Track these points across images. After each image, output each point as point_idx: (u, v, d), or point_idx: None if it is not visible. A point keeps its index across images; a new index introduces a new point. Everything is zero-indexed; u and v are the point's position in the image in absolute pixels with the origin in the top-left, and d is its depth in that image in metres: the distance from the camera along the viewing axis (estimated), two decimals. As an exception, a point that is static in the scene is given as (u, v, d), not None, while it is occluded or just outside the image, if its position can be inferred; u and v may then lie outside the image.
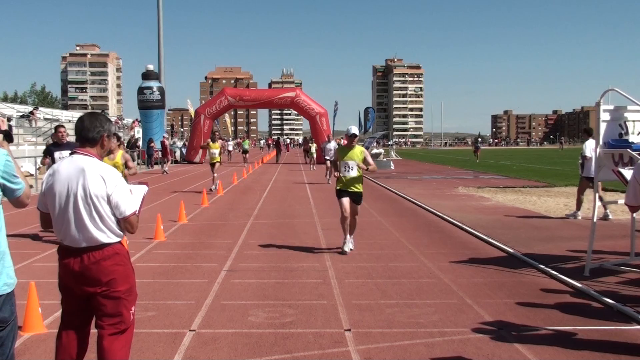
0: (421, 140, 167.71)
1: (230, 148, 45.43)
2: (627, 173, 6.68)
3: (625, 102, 7.01)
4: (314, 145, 32.53)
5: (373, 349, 4.46)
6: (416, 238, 9.39)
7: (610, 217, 11.40)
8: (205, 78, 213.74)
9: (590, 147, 11.19)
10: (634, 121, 7.12)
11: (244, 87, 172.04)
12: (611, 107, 7.07)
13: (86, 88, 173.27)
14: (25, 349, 4.46)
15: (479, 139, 67.31)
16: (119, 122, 44.08)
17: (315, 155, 31.47)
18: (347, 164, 8.24)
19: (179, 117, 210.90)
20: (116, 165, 8.42)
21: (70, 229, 3.22)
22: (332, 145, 20.44)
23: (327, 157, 20.50)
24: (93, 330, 3.39)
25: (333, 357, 4.32)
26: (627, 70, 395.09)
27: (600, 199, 11.07)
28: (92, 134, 3.32)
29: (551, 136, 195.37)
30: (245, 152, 35.09)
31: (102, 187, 3.21)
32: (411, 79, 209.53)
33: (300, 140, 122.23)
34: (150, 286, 6.28)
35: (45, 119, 32.43)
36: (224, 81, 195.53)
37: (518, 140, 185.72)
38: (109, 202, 3.22)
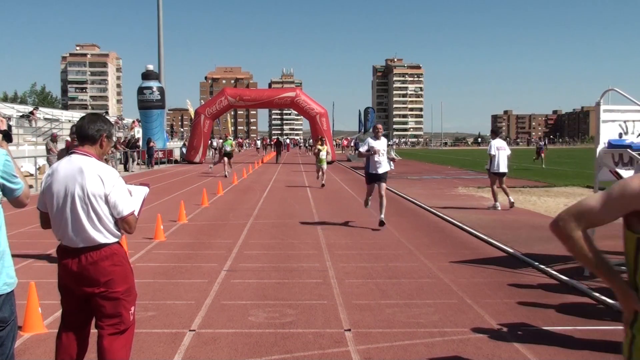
0: (421, 140, 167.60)
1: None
2: (626, 174, 6.69)
3: (626, 102, 7.01)
4: (326, 147, 20.50)
5: (373, 349, 4.46)
6: (416, 238, 9.38)
7: (499, 207, 12.80)
8: (205, 78, 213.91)
9: (494, 146, 13.06)
10: (634, 121, 7.12)
11: (244, 87, 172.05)
12: (612, 107, 7.07)
13: (86, 88, 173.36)
14: (25, 349, 4.46)
15: (544, 139, 36.36)
16: (119, 122, 44.06)
17: (325, 166, 19.78)
18: None
19: (179, 117, 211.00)
20: None
21: (67, 229, 3.23)
22: (382, 144, 10.38)
23: (372, 171, 10.33)
24: (93, 330, 3.40)
25: (333, 357, 4.32)
26: (627, 70, 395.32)
27: (507, 193, 13.05)
28: (91, 132, 3.33)
29: (551, 136, 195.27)
30: (227, 155, 24.58)
31: (100, 186, 3.21)
32: (411, 79, 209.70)
33: (300, 140, 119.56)
34: (150, 286, 6.28)
35: (45, 119, 32.44)
36: (224, 81, 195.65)
37: (518, 140, 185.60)
38: (106, 201, 3.22)
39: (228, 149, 24.75)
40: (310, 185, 19.89)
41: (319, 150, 19.74)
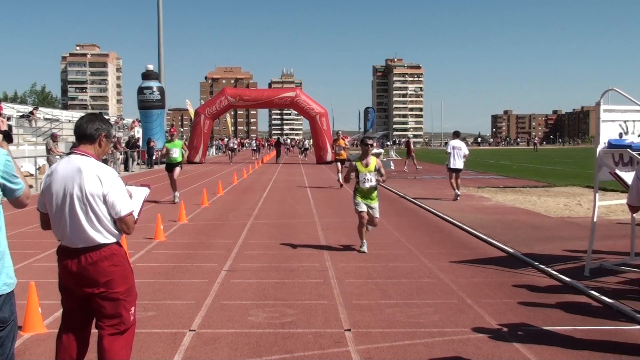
0: (421, 140, 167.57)
1: (232, 145, 42.36)
2: (626, 175, 6.69)
3: (626, 102, 7.01)
4: (375, 161, 8.21)
5: (373, 349, 4.46)
6: (416, 238, 9.38)
7: (459, 194, 14.81)
8: (205, 78, 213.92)
9: (450, 146, 15.21)
10: (634, 121, 7.12)
11: (244, 87, 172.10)
12: (612, 107, 7.07)
13: (86, 88, 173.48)
14: (25, 349, 4.46)
15: None
16: (119, 122, 44.06)
17: (376, 208, 8.24)
18: None
19: (179, 117, 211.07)
20: None
21: (67, 229, 3.23)
22: None
23: None
24: (94, 330, 3.40)
25: (333, 357, 4.32)
26: (627, 70, 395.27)
27: (457, 187, 15.03)
28: (90, 131, 3.33)
29: (551, 136, 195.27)
30: (172, 164, 14.47)
31: (98, 186, 3.21)
32: (411, 79, 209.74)
33: (297, 139, 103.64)
34: (150, 286, 6.28)
35: (45, 119, 32.41)
36: (224, 81, 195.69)
37: (518, 140, 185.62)
38: (105, 201, 3.22)
39: (176, 155, 14.44)
40: (310, 186, 19.86)
41: (354, 167, 8.24)
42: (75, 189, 3.20)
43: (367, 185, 8.08)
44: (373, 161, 8.18)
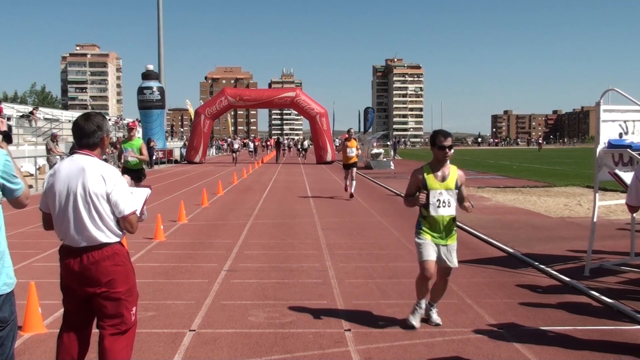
0: (420, 140, 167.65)
1: (236, 146, 41.20)
2: (625, 175, 6.69)
3: (626, 102, 7.01)
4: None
5: (373, 349, 4.46)
6: (416, 238, 9.37)
7: None
8: (205, 78, 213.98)
9: None
10: (634, 121, 7.12)
11: (244, 87, 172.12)
12: (612, 107, 7.07)
13: (86, 88, 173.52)
14: (25, 349, 4.46)
15: None
16: (119, 122, 44.05)
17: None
18: None
19: (179, 117, 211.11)
20: None
21: (70, 228, 3.23)
22: None
23: None
24: (95, 330, 3.40)
25: (333, 357, 4.32)
26: (627, 70, 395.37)
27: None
28: (92, 140, 3.33)
29: (551, 136, 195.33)
30: (131, 170, 11.31)
31: (102, 185, 3.21)
32: (411, 79, 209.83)
33: (295, 139, 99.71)
34: (150, 286, 6.28)
35: (45, 119, 32.38)
36: (224, 81, 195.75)
37: (518, 140, 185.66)
38: (108, 200, 3.23)
39: (132, 159, 11.20)
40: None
41: (422, 181, 5.11)
42: (79, 188, 3.21)
43: (444, 211, 5.08)
44: (453, 173, 5.08)
